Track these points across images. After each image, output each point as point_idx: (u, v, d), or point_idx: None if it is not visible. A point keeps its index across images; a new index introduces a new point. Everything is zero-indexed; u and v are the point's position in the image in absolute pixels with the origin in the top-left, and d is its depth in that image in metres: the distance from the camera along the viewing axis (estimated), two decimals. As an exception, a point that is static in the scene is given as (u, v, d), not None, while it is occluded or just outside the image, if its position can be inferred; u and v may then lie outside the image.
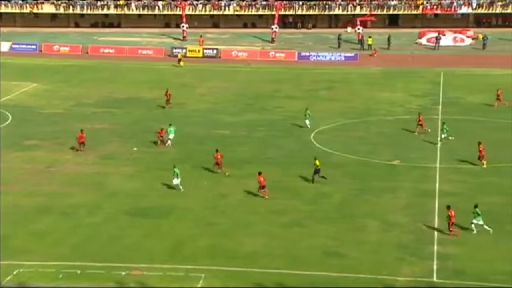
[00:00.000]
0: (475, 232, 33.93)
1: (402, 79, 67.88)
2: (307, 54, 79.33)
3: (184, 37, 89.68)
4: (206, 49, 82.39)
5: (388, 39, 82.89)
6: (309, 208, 37.53)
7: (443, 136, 47.98)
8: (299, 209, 37.10)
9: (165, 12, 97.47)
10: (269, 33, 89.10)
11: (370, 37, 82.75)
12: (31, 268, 30.63)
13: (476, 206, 34.18)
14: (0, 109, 55.90)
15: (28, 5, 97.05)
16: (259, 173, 38.70)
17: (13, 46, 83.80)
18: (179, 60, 76.16)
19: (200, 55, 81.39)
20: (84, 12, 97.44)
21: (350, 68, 73.65)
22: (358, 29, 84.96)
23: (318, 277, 30.12)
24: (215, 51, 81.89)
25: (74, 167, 43.18)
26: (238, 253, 32.38)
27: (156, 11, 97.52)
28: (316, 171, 40.66)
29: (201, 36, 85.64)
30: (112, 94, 62.84)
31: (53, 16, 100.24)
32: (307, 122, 51.46)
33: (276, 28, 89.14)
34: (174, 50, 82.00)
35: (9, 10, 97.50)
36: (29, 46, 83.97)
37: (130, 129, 51.73)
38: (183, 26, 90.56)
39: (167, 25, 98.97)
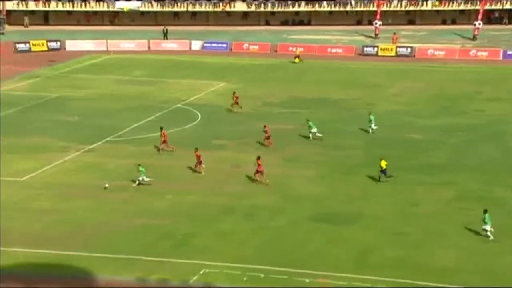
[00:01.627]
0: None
1: None
2: (514, 52, 75.46)
3: (376, 34, 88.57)
4: (400, 47, 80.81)
5: None
6: (510, 222, 35.32)
7: None
8: (498, 222, 35.02)
9: (358, 8, 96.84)
10: (470, 30, 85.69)
11: None
12: (216, 268, 31.24)
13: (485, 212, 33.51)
14: (189, 108, 58.13)
15: (221, 4, 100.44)
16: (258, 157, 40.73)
17: (205, 44, 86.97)
18: (296, 56, 75.19)
19: (393, 53, 79.98)
20: (275, 9, 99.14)
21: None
22: None
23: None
24: (409, 50, 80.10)
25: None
26: (429, 267, 31.12)
27: (348, 8, 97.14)
28: (383, 172, 40.09)
29: (394, 34, 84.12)
30: (299, 94, 63.20)
31: (245, 14, 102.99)
32: (373, 126, 49.72)
33: (479, 24, 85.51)
34: (365, 49, 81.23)
35: (202, 9, 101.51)
36: (220, 45, 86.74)
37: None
38: (376, 23, 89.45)
39: (359, 22, 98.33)
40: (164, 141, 46.75)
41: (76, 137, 49.69)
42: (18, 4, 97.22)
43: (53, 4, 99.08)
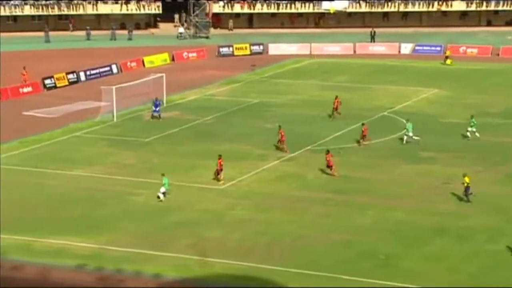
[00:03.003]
0: None
1: None
2: None
3: None
4: None
5: None
6: None
7: None
8: None
9: None
10: None
11: None
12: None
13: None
14: (395, 117, 57.26)
15: (436, 3, 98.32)
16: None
17: (416, 48, 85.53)
18: (446, 57, 72.75)
19: None
20: (500, 8, 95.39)
21: None
22: None
23: None
24: None
25: (473, 185, 41.58)
26: None
27: None
28: (466, 189, 38.99)
29: None
30: (523, 103, 60.53)
31: (463, 14, 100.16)
32: (470, 129, 49.66)
33: None
34: None
35: (415, 9, 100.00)
36: (433, 48, 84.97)
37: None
38: None
39: None
40: (281, 141, 47.77)
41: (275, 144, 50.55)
42: (224, 7, 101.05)
43: (258, 6, 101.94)
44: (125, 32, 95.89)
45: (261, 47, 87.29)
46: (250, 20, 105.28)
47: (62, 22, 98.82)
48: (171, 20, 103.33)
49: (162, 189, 40.61)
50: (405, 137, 49.81)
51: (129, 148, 50.12)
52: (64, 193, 41.80)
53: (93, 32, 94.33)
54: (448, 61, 74.67)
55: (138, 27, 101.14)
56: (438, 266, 32.92)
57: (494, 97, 62.98)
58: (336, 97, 57.30)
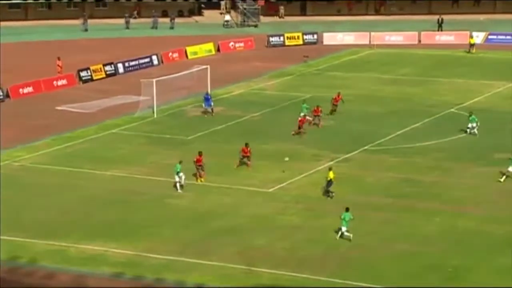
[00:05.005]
0: None
1: None
2: None
3: None
4: None
5: None
6: None
7: None
8: None
9: None
10: None
11: None
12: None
13: None
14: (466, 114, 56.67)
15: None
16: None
17: (489, 37, 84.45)
18: (471, 45, 74.29)
19: None
20: None
21: None
22: None
23: None
24: None
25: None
26: None
27: None
28: (327, 184, 40.42)
29: None
30: None
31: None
32: (470, 126, 50.16)
33: None
34: None
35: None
36: (509, 37, 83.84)
37: None
38: None
39: None
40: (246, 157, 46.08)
41: (329, 144, 50.27)
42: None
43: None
44: (167, 20, 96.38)
45: (315, 36, 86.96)
46: (303, 7, 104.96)
47: (99, 10, 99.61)
48: (217, 7, 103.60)
49: (177, 178, 41.82)
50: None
51: (170, 147, 50.33)
52: (99, 195, 42.12)
53: (132, 20, 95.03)
54: (473, 50, 75.51)
55: (181, 14, 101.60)
56: (509, 278, 32.44)
57: None
58: (339, 94, 57.13)
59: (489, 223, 38.14)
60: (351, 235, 35.84)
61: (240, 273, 33.31)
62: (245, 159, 45.73)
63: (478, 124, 50.88)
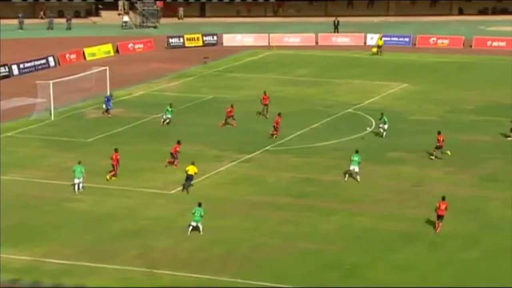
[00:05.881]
0: None
1: None
2: None
3: None
4: None
5: None
6: None
7: None
8: None
9: None
10: None
11: None
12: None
13: None
14: (361, 113, 57.63)
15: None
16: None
17: (383, 39, 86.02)
18: (379, 46, 77.19)
19: None
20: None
21: None
22: None
23: None
24: None
25: (445, 187, 42.44)
26: None
27: None
28: (188, 178, 41.56)
29: None
30: (498, 99, 61.12)
31: (433, 2, 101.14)
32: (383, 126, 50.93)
33: None
34: None
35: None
36: (402, 39, 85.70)
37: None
38: None
39: None
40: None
41: (231, 145, 50.44)
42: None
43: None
44: (63, 20, 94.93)
45: (215, 37, 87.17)
46: (202, 8, 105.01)
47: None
48: (115, 7, 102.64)
49: (76, 180, 41.64)
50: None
51: (68, 150, 49.59)
52: (-4, 200, 41.19)
53: (26, 21, 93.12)
54: (374, 49, 77.35)
55: (77, 15, 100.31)
56: (408, 276, 33.10)
57: (467, 92, 63.64)
58: (265, 93, 57.43)
59: (384, 220, 38.84)
60: (201, 227, 36.66)
61: (141, 275, 33.12)
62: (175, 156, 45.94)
63: (387, 125, 51.52)
